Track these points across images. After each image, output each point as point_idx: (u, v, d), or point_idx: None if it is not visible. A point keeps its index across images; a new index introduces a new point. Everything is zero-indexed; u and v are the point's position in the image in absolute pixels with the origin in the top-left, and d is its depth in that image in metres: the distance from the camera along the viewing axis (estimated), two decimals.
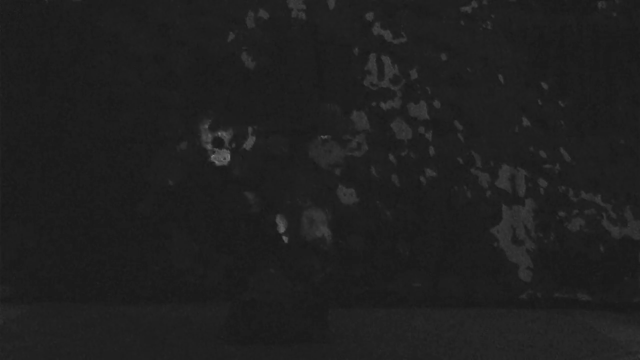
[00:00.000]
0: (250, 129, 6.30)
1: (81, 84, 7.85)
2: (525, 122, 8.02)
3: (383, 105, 7.96)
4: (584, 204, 7.99)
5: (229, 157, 6.24)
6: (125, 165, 7.85)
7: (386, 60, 7.98)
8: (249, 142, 6.23)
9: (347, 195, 7.84)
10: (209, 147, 6.23)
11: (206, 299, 7.73)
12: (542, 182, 7.99)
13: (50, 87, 7.85)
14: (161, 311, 7.38)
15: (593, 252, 7.95)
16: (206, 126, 6.25)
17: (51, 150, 7.84)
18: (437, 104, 7.99)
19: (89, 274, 7.76)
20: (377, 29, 7.96)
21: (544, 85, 8.03)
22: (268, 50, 7.88)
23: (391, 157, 7.99)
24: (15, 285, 7.76)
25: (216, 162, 6.21)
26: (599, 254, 7.94)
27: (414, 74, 7.98)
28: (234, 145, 6.24)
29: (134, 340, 6.29)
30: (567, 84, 8.05)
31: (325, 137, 6.24)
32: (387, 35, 7.98)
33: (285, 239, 6.18)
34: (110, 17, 7.84)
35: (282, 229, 6.20)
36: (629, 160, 8.02)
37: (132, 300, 7.65)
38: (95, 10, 7.84)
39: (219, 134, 6.29)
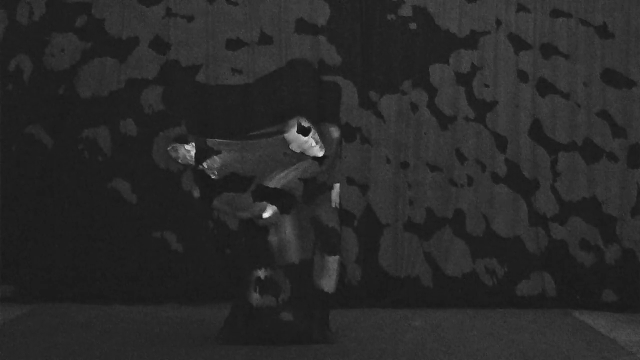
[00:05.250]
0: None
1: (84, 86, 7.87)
2: (526, 122, 8.02)
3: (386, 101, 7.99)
4: (584, 204, 7.99)
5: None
6: (126, 166, 7.86)
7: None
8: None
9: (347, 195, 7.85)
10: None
11: (206, 299, 7.73)
12: (543, 182, 7.99)
13: (53, 90, 7.86)
14: (161, 311, 7.39)
15: (593, 253, 7.94)
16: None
17: (52, 150, 7.84)
18: (438, 102, 8.00)
19: (89, 274, 7.76)
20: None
21: (544, 86, 8.03)
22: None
23: (392, 157, 8.00)
24: (15, 285, 7.76)
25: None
26: (599, 255, 7.93)
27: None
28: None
29: (134, 340, 6.29)
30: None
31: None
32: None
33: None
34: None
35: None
36: (629, 161, 8.02)
37: (132, 300, 7.66)
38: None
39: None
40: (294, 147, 6.13)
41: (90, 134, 7.87)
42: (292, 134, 6.11)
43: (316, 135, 6.14)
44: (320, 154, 6.17)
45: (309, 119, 6.32)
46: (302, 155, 6.14)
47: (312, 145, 6.13)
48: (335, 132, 6.33)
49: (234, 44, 7.94)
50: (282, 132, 6.15)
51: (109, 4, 7.87)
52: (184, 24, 7.92)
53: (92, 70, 7.87)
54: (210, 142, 6.20)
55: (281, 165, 6.14)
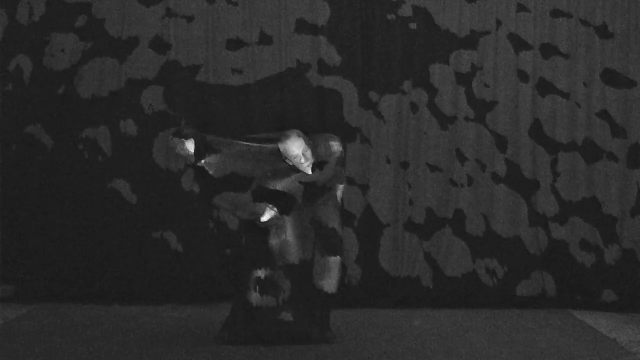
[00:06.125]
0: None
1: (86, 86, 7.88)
2: (526, 122, 8.01)
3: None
4: (584, 204, 7.99)
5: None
6: (126, 166, 7.86)
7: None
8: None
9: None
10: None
11: (206, 299, 7.73)
12: (544, 182, 7.99)
13: (53, 90, 7.86)
14: (161, 311, 7.39)
15: (593, 253, 7.94)
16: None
17: (52, 150, 7.84)
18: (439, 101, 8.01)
19: (89, 274, 7.76)
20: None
21: (544, 86, 8.03)
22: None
23: (392, 157, 8.00)
24: (15, 285, 7.75)
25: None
26: (599, 255, 7.93)
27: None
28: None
29: (134, 340, 6.29)
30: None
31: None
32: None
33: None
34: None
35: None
36: (629, 161, 8.01)
37: (132, 300, 7.66)
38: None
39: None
40: (286, 160, 6.15)
41: (90, 134, 7.88)
42: (286, 145, 6.11)
43: (308, 153, 6.14)
44: (308, 171, 6.17)
45: (307, 130, 6.31)
46: (294, 168, 6.16)
47: (302, 162, 6.13)
48: (335, 146, 6.28)
49: (234, 44, 7.95)
50: (277, 141, 6.15)
51: (109, 4, 7.88)
52: (184, 24, 7.93)
53: (92, 70, 7.87)
54: (210, 139, 6.20)
55: (278, 174, 6.16)
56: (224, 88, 7.92)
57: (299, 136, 6.14)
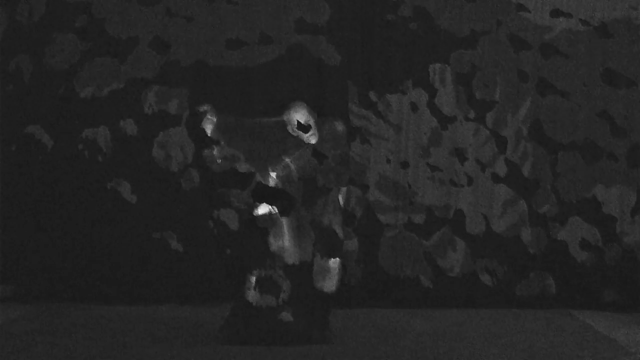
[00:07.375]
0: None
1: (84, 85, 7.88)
2: (526, 122, 8.02)
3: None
4: (584, 204, 7.99)
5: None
6: (126, 166, 7.86)
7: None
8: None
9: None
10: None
11: (206, 299, 7.73)
12: (543, 182, 7.99)
13: (53, 90, 7.86)
14: (161, 311, 7.39)
15: (593, 253, 7.94)
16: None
17: (52, 150, 7.84)
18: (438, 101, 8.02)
19: (89, 274, 7.76)
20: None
21: (544, 86, 8.03)
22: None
23: (392, 157, 8.00)
24: (15, 285, 7.76)
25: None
26: (599, 255, 7.93)
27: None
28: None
29: (134, 340, 6.29)
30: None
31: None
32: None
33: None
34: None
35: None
36: (629, 161, 8.01)
37: (132, 300, 7.66)
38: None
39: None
40: (290, 129, 6.17)
41: (90, 134, 7.88)
42: (289, 115, 6.15)
43: (312, 123, 6.15)
44: (313, 141, 6.18)
45: (311, 106, 6.32)
46: (299, 140, 6.16)
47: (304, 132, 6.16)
48: (339, 126, 6.34)
49: (234, 44, 7.95)
50: (282, 113, 6.20)
51: (109, 4, 7.88)
52: (184, 24, 7.93)
53: (92, 70, 7.87)
54: (222, 119, 6.19)
55: (282, 151, 6.16)
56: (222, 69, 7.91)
57: (302, 106, 6.16)
